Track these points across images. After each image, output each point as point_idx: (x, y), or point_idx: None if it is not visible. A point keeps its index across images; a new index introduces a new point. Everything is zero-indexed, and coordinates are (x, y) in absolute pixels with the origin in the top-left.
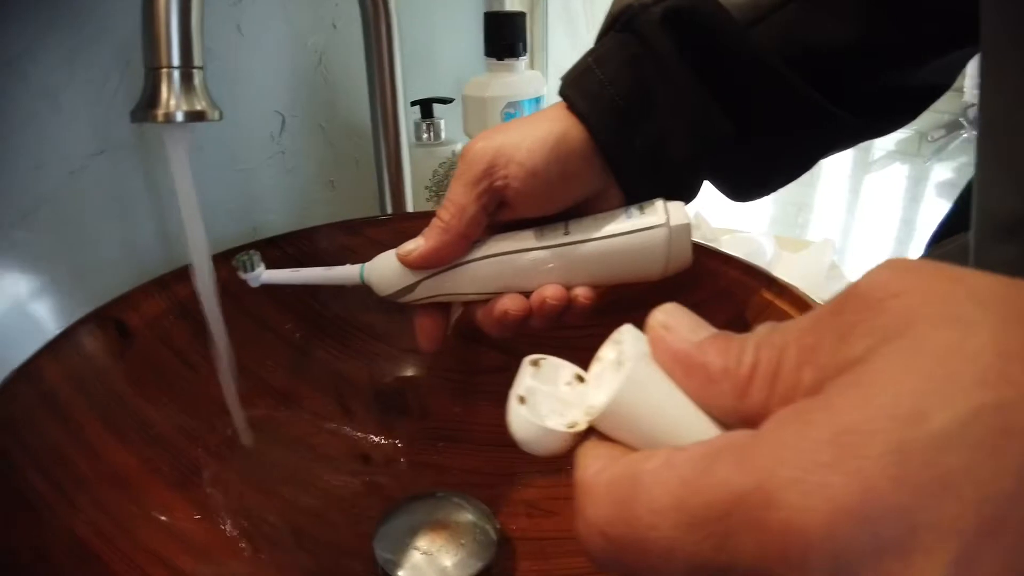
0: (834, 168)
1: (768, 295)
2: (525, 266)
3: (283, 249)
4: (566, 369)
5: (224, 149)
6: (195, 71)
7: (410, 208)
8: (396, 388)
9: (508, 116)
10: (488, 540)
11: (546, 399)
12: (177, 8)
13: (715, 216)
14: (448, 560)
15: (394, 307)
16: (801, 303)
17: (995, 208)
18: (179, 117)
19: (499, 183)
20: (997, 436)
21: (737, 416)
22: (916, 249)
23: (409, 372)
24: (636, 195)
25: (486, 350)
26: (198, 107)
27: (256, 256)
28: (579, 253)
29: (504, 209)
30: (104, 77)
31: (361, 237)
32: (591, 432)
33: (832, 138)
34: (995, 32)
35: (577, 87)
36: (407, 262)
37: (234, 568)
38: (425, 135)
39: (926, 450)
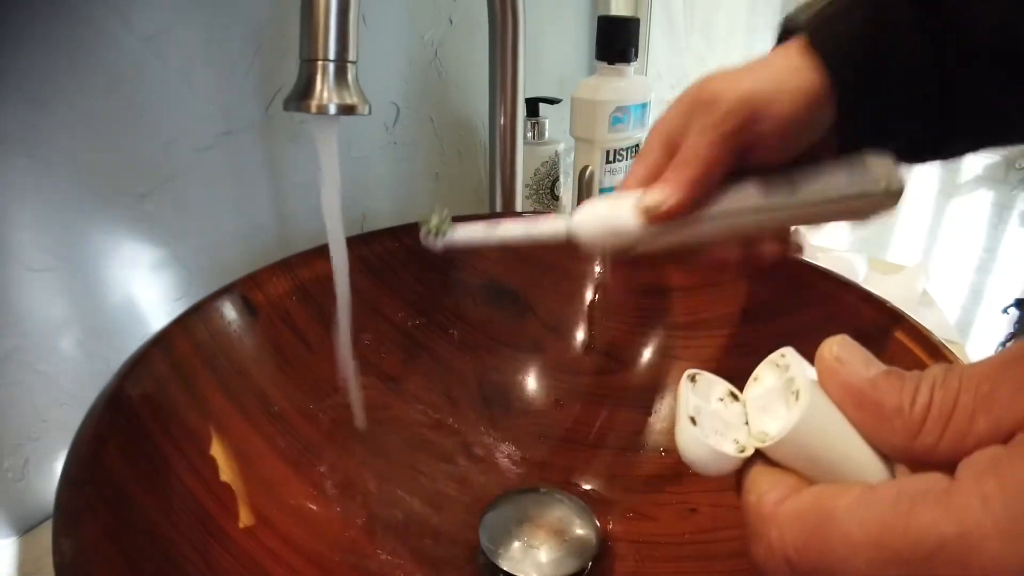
0: (919, 190)
1: (887, 323)
2: (750, 223)
3: (400, 240)
4: (720, 386)
5: (343, 136)
6: (349, 65)
7: (518, 207)
8: (502, 383)
9: (616, 120)
10: (588, 539)
11: (708, 418)
12: (337, 2)
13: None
14: (546, 556)
15: (505, 302)
16: (920, 336)
17: None
18: (332, 110)
19: (752, 138)
20: None
21: (905, 455)
22: (998, 278)
23: (516, 368)
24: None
25: (592, 354)
26: (350, 101)
27: (448, 218)
28: (805, 213)
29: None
30: (236, 60)
31: None
32: (756, 456)
33: None
34: None
35: (828, 32)
36: (656, 217)
37: (345, 544)
38: (529, 134)
39: None
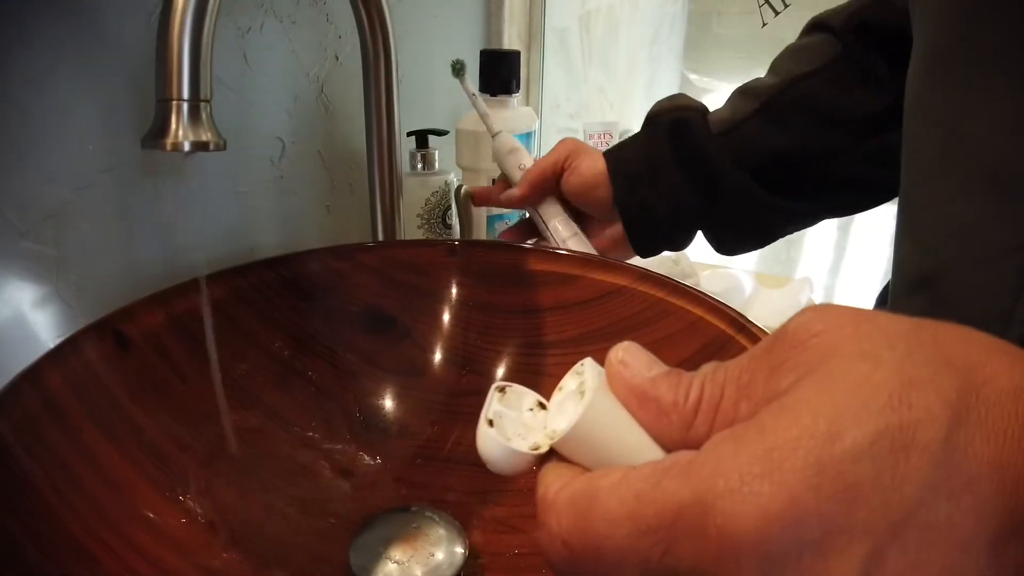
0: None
1: (731, 332)
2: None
3: (277, 271)
4: (529, 396)
5: (226, 171)
6: (203, 104)
7: (400, 236)
8: (380, 408)
9: None
10: (457, 554)
11: (511, 423)
12: (189, 45)
13: (698, 251)
14: (419, 570)
15: (383, 328)
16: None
17: (904, 265)
18: (186, 147)
19: (564, 171)
20: (899, 451)
21: (684, 445)
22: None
23: (392, 392)
24: (631, 235)
25: (465, 375)
26: (204, 138)
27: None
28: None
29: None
30: (116, 98)
31: (351, 262)
32: (552, 454)
33: (788, 221)
34: (910, 122)
35: (612, 156)
36: (509, 202)
37: (215, 568)
38: (419, 164)
39: (840, 463)
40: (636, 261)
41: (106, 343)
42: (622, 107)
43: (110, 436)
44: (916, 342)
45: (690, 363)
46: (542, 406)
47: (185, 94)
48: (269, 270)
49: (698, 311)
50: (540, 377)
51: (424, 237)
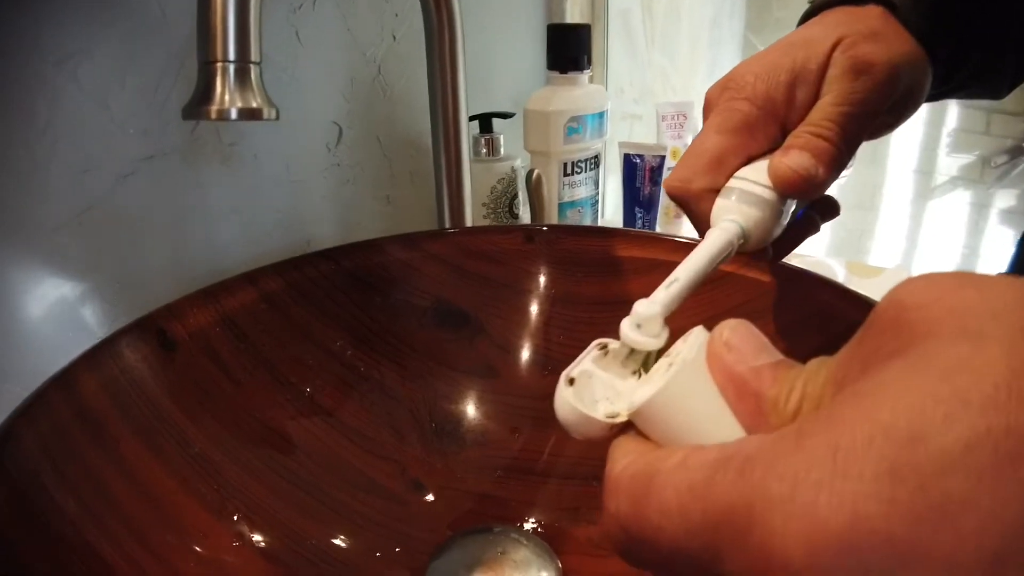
0: (895, 194)
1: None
2: None
3: (337, 262)
4: (637, 357)
5: (279, 159)
6: (252, 66)
7: (468, 224)
8: (453, 413)
9: (571, 131)
10: None
11: (600, 385)
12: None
13: None
14: None
15: (455, 324)
16: None
17: None
18: (233, 115)
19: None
20: (1004, 462)
21: None
22: None
23: (466, 395)
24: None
25: (547, 375)
26: (254, 104)
27: None
28: None
29: None
30: (157, 81)
31: (419, 251)
32: (630, 426)
33: None
34: None
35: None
36: (794, 186)
37: None
38: (484, 150)
39: (923, 474)
40: None
41: (148, 344)
42: (684, 92)
43: (152, 448)
44: None
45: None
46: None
47: (231, 55)
48: (328, 262)
49: (821, 298)
50: None
51: (491, 224)
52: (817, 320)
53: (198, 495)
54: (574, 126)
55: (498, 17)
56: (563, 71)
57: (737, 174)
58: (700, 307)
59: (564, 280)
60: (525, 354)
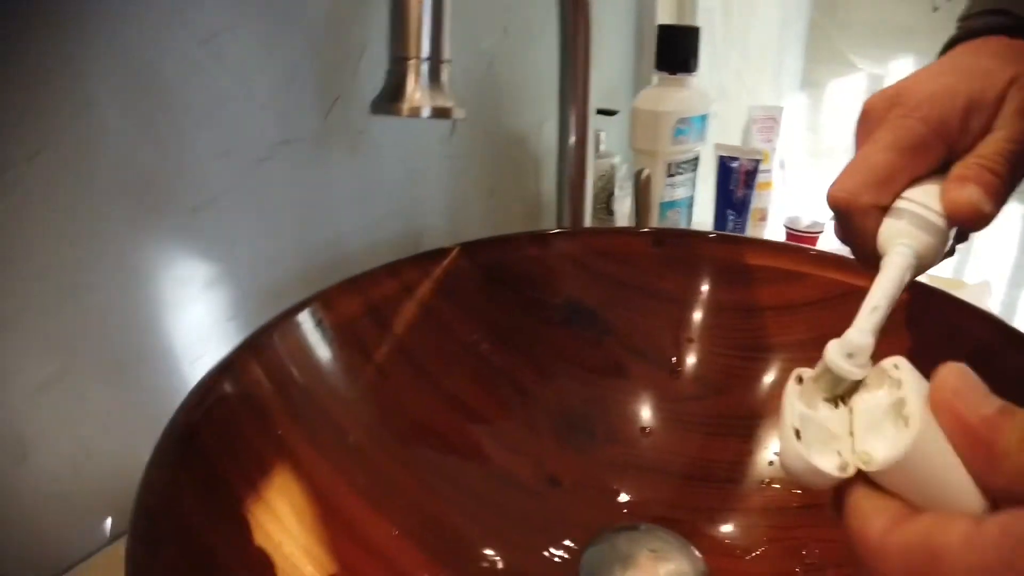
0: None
1: (997, 344)
2: None
3: (473, 257)
4: (824, 381)
5: (399, 150)
6: (443, 65)
7: (587, 222)
8: (584, 411)
9: (679, 132)
10: None
11: (813, 428)
12: None
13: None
14: None
15: (583, 323)
16: None
17: None
18: (425, 113)
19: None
20: None
21: (1009, 498)
22: None
23: (595, 394)
24: None
25: (673, 378)
26: (444, 103)
27: None
28: None
29: None
30: (295, 64)
31: (551, 249)
32: (858, 475)
33: None
34: None
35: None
36: (967, 218)
37: None
38: None
39: None
40: None
41: (307, 330)
42: (755, 94)
43: (313, 437)
44: None
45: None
46: (840, 399)
47: (425, 52)
48: (465, 255)
49: (955, 319)
50: (757, 384)
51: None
52: (946, 339)
53: (357, 486)
54: (682, 127)
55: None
56: (672, 72)
57: (906, 194)
58: (820, 323)
59: (692, 284)
60: (652, 355)
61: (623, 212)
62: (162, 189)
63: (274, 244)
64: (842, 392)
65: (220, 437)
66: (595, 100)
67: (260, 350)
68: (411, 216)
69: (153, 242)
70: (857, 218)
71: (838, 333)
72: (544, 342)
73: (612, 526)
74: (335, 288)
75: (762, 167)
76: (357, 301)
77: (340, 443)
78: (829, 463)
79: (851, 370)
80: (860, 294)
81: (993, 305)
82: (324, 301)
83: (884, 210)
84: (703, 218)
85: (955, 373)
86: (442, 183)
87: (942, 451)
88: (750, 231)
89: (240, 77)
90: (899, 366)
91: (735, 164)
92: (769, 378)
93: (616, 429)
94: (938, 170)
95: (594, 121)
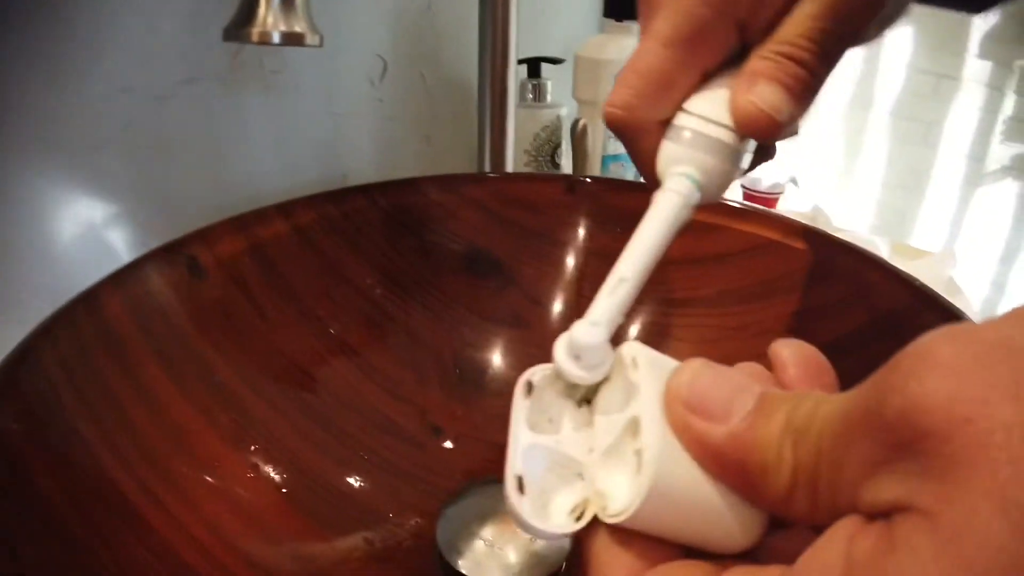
0: (944, 177)
1: (913, 306)
2: None
3: (372, 198)
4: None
5: (321, 90)
6: None
7: (509, 169)
8: (478, 360)
9: None
10: (564, 542)
11: (544, 457)
12: None
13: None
14: (514, 556)
15: (486, 272)
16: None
17: None
18: (275, 38)
19: None
20: None
21: (781, 514)
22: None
23: (493, 345)
24: None
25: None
26: (297, 28)
27: None
28: None
29: None
30: (202, 2)
31: (456, 195)
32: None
33: None
34: None
35: None
36: (760, 129)
37: (283, 536)
38: (530, 95)
39: None
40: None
41: (177, 269)
42: None
43: (174, 374)
44: None
45: (852, 340)
46: (585, 400)
47: None
48: (364, 197)
49: (869, 277)
50: (667, 340)
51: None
52: (854, 300)
53: (217, 424)
54: None
55: None
56: (619, 19)
57: (687, 106)
58: (731, 276)
59: (603, 234)
60: (556, 307)
61: (569, 165)
62: (59, 126)
63: (181, 185)
64: (586, 392)
65: (65, 371)
66: (555, 50)
67: (123, 284)
68: (336, 159)
69: (50, 181)
70: (637, 138)
71: (748, 288)
72: (442, 290)
73: (479, 479)
74: (217, 226)
75: None
76: (240, 240)
77: (205, 382)
78: (564, 506)
79: (581, 375)
80: (775, 247)
81: (960, 273)
82: (202, 238)
83: (666, 123)
84: None
85: (686, 383)
86: (371, 127)
87: (694, 480)
88: None
89: (142, 12)
90: (637, 361)
91: None
92: (675, 333)
93: (508, 382)
94: (734, 61)
95: (540, 70)
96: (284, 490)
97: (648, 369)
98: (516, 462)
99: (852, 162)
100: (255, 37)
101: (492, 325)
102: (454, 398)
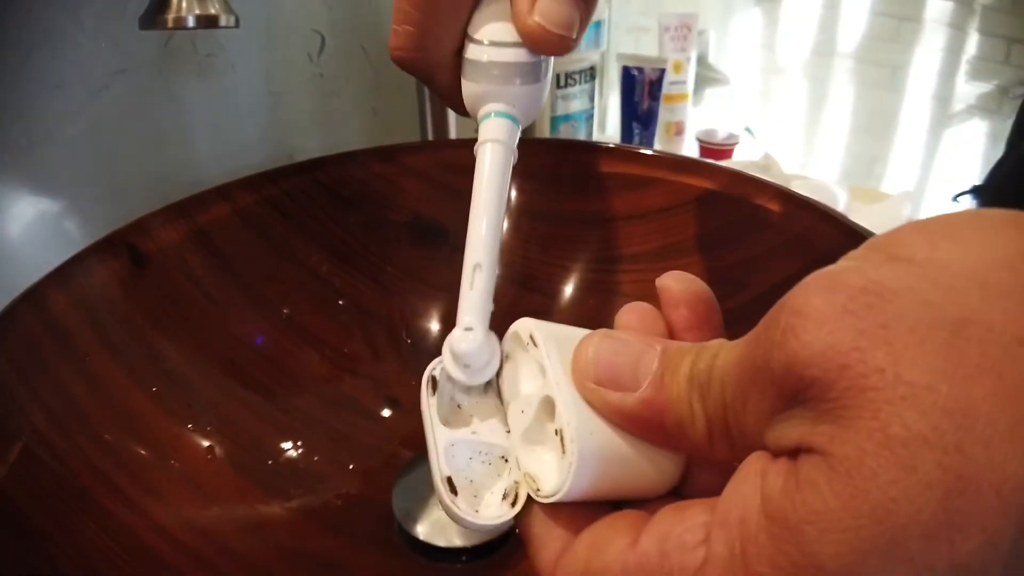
0: (910, 121)
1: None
2: None
3: (312, 175)
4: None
5: (258, 70)
6: None
7: (452, 134)
8: (429, 329)
9: None
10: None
11: (466, 450)
12: None
13: (786, 162)
14: None
15: (430, 240)
16: None
17: None
18: (190, 22)
19: None
20: None
21: (705, 461)
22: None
23: (444, 313)
24: None
25: (526, 294)
26: (211, 10)
27: None
28: None
29: None
30: None
31: (396, 165)
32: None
33: None
34: None
35: None
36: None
37: (241, 512)
38: None
39: None
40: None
41: (119, 260)
42: (705, 8)
43: (123, 363)
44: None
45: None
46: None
47: None
48: (303, 175)
49: (805, 222)
50: (613, 296)
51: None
52: (800, 244)
53: (170, 410)
54: None
55: None
56: None
57: (474, 32)
58: (675, 229)
59: (545, 196)
60: (503, 271)
61: None
62: None
63: (121, 176)
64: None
65: (13, 367)
66: None
67: (66, 279)
68: (280, 139)
69: None
70: (431, 77)
71: (689, 241)
72: (389, 261)
73: None
74: (156, 214)
75: (675, 78)
76: (180, 227)
77: (155, 368)
78: (497, 492)
79: (477, 378)
80: (713, 198)
81: (918, 215)
82: (141, 227)
83: (458, 54)
84: (614, 133)
85: (591, 351)
86: (314, 104)
87: (615, 447)
88: (661, 145)
89: (65, 7)
90: (535, 338)
91: (638, 74)
92: (620, 289)
93: None
94: None
95: None
96: (242, 469)
97: (548, 345)
98: (442, 464)
99: (818, 109)
100: (170, 23)
101: (441, 293)
102: (408, 369)
